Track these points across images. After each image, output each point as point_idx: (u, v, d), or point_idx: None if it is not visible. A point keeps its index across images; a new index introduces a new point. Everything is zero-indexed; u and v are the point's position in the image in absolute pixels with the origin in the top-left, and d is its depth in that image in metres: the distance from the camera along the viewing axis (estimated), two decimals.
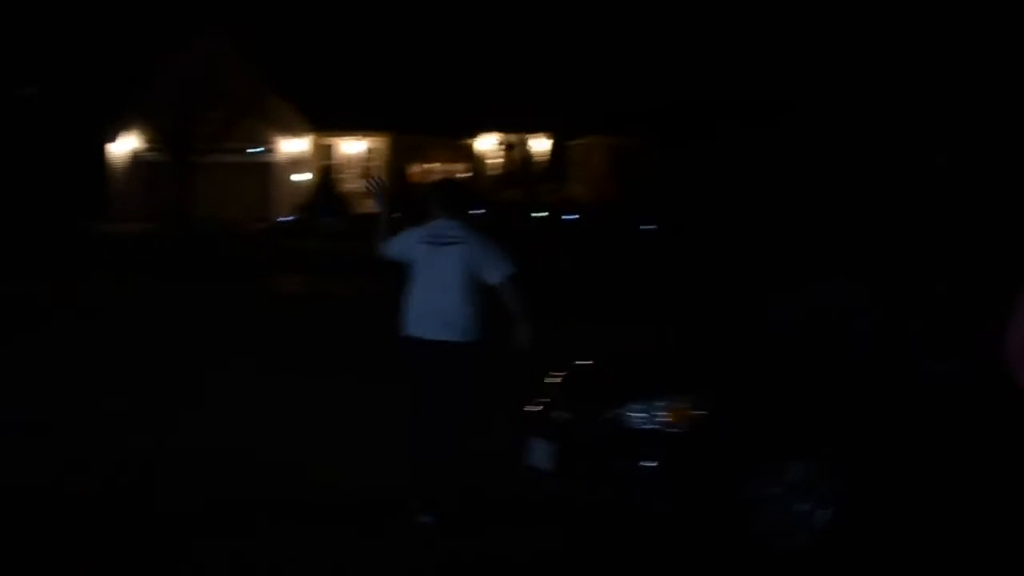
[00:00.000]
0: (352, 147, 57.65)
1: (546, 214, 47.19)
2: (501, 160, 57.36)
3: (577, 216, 46.78)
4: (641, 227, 43.36)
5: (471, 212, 10.58)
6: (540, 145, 55.66)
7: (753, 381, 9.72)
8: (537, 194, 50.91)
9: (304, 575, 8.77)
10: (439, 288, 10.12)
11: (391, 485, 10.36)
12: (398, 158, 57.20)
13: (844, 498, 9.30)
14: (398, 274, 10.51)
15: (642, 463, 9.19)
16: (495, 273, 10.17)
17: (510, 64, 51.44)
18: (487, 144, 58.57)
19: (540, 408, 10.22)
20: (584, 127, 53.81)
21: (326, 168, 56.85)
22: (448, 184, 11.36)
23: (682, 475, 9.17)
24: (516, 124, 52.48)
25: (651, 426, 9.25)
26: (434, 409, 10.02)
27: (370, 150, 57.45)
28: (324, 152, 57.71)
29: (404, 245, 10.44)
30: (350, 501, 10.47)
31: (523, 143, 52.48)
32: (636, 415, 9.34)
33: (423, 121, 54.50)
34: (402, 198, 44.05)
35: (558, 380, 10.42)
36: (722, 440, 9.19)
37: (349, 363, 17.02)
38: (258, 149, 54.80)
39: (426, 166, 59.35)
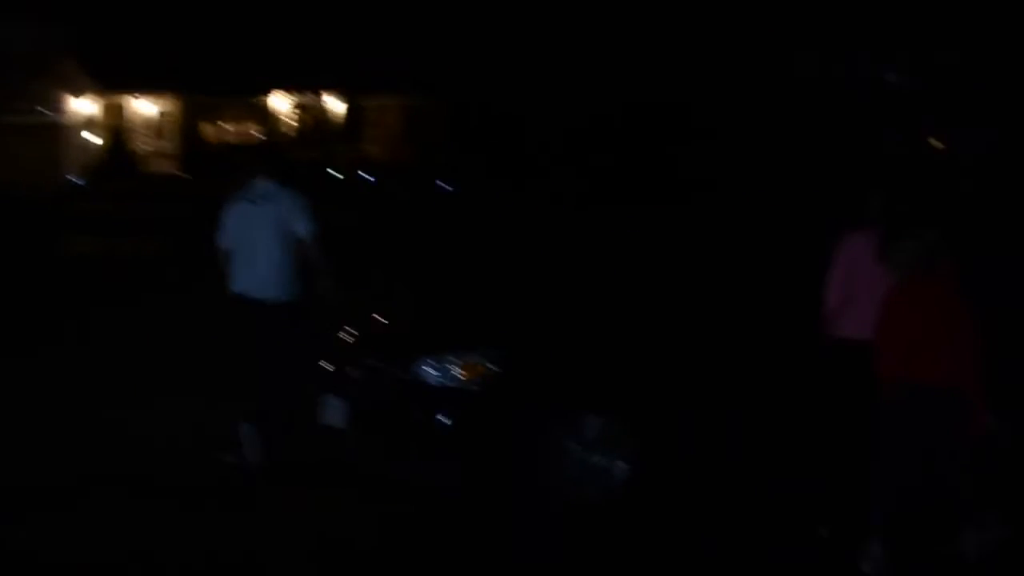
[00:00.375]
0: (144, 108, 56.54)
1: (341, 176, 46.88)
2: (296, 121, 56.72)
3: (373, 178, 46.62)
4: (438, 185, 43.16)
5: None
6: (335, 105, 55.20)
7: (547, 336, 9.72)
8: (332, 155, 50.44)
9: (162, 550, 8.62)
10: (257, 246, 10.40)
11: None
12: (191, 119, 56.27)
13: (641, 451, 9.40)
14: (190, 234, 10.45)
15: (436, 419, 9.15)
16: (302, 228, 10.37)
17: (304, 22, 50.84)
18: (282, 105, 57.88)
19: (334, 365, 10.14)
20: (378, 87, 53.44)
21: (117, 129, 55.70)
22: (268, 145, 11.57)
23: (476, 431, 9.14)
24: (311, 84, 51.91)
25: (445, 382, 9.25)
26: (270, 364, 10.22)
27: (162, 111, 56.41)
28: (116, 113, 56.52)
29: (225, 219, 10.68)
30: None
31: (318, 103, 51.95)
32: (429, 371, 9.30)
33: (217, 81, 53.57)
34: (196, 159, 43.13)
35: (352, 336, 10.39)
36: (517, 395, 9.20)
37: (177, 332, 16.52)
38: (47, 111, 53.50)
39: (221, 127, 58.49)
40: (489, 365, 9.23)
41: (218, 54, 52.04)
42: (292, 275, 10.45)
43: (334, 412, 9.72)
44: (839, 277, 9.14)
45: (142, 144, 55.56)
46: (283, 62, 51.24)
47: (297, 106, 53.73)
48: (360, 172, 47.51)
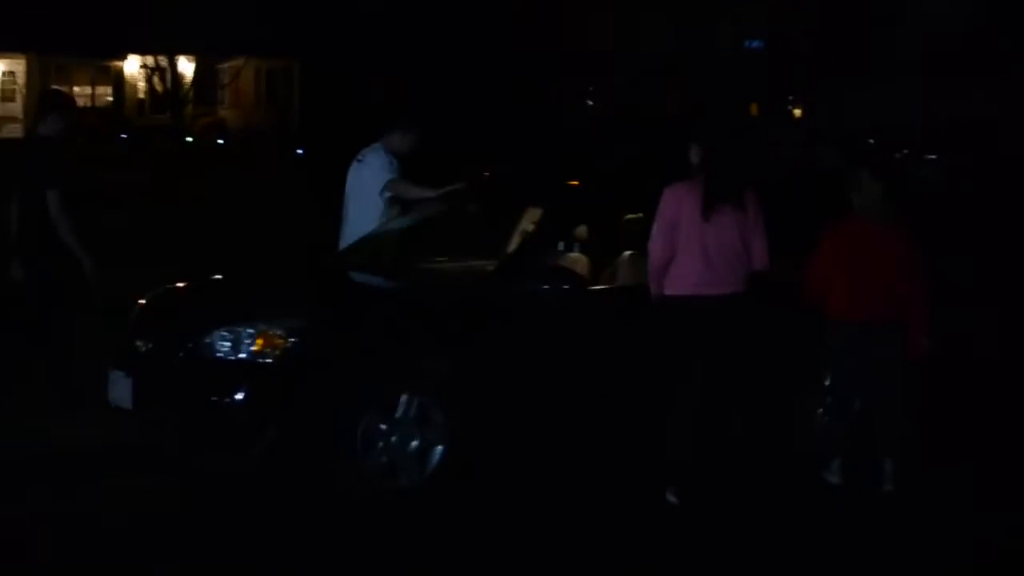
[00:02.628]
0: None
1: (190, 139, 45.97)
2: (148, 84, 55.10)
3: (221, 141, 45.97)
4: (299, 151, 42.52)
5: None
6: (189, 68, 53.73)
7: (352, 307, 8.78)
8: (185, 119, 49.05)
9: None
10: (348, 206, 10.83)
11: None
12: (39, 81, 54.49)
13: (457, 432, 8.53)
14: None
15: (226, 397, 8.12)
16: (375, 183, 10.56)
17: None
18: (135, 67, 56.30)
19: (123, 337, 9.05)
20: (233, 48, 52.07)
21: None
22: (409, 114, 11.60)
23: (273, 410, 8.12)
24: (164, 45, 50.39)
25: (238, 355, 8.18)
26: None
27: (8, 72, 54.65)
28: None
29: None
30: None
31: (172, 66, 50.48)
32: (222, 343, 8.24)
33: (66, 41, 51.95)
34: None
35: (143, 304, 9.33)
36: (317, 371, 8.20)
37: None
38: None
39: (73, 90, 56.83)
40: (288, 337, 8.20)
41: (70, 13, 50.37)
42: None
43: (119, 388, 8.69)
44: (664, 231, 8.43)
45: None
46: (137, 23, 49.68)
47: (149, 69, 52.14)
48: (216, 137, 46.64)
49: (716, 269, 8.31)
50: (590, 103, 51.77)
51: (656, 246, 8.45)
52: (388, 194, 10.60)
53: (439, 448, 8.50)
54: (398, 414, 8.38)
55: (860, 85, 42.44)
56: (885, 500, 8.71)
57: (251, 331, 8.23)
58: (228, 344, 8.24)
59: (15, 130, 53.29)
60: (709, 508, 8.32)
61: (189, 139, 46.38)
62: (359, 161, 10.85)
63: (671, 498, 8.41)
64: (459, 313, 8.76)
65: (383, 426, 8.33)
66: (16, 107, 54.91)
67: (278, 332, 8.21)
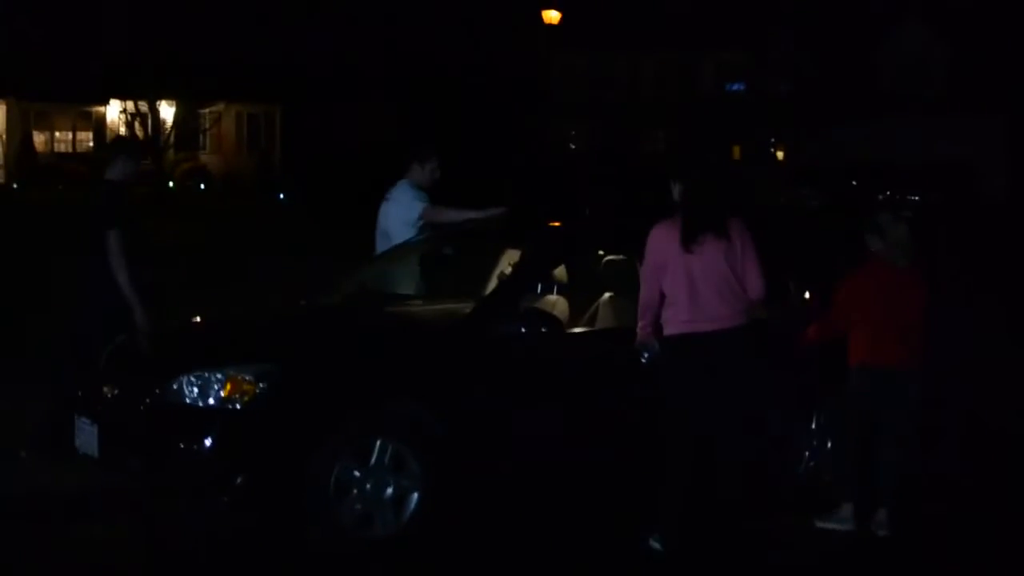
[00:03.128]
0: None
1: (171, 184, 45.89)
2: (129, 130, 54.83)
3: (203, 186, 45.92)
4: (281, 196, 42.52)
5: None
6: (171, 113, 53.54)
7: (324, 351, 8.50)
8: (166, 165, 48.84)
9: None
10: (382, 244, 10.78)
11: None
12: (20, 126, 54.29)
13: (432, 478, 8.27)
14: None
15: (195, 444, 7.86)
16: (407, 217, 10.60)
17: (138, 27, 49.15)
18: (116, 112, 56.14)
19: (89, 381, 8.78)
20: (214, 93, 51.94)
21: None
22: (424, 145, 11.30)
23: (243, 457, 7.87)
24: (145, 90, 50.22)
25: (206, 401, 7.92)
26: None
27: None
28: None
29: None
30: None
31: (154, 111, 50.25)
32: (190, 388, 7.98)
33: (48, 87, 51.77)
34: (26, 168, 41.58)
35: (111, 348, 9.08)
36: (288, 417, 7.94)
37: None
38: None
39: (52, 135, 56.61)
40: (258, 382, 7.96)
41: (50, 59, 50.24)
42: None
43: (84, 435, 8.45)
44: (650, 271, 8.29)
45: None
46: (118, 68, 49.58)
47: (130, 114, 51.94)
48: (199, 182, 46.51)
49: (707, 303, 8.11)
50: (572, 146, 51.79)
51: (643, 290, 8.32)
52: (422, 223, 10.61)
53: (415, 495, 8.26)
54: (372, 461, 8.14)
55: (841, 125, 42.47)
56: (882, 545, 8.55)
57: (220, 376, 7.98)
58: (196, 390, 7.99)
59: None
60: (695, 554, 8.11)
61: (170, 184, 46.22)
62: (387, 200, 10.85)
63: (655, 544, 8.19)
64: (435, 357, 8.54)
65: (357, 473, 8.09)
66: None
67: (247, 377, 7.97)
